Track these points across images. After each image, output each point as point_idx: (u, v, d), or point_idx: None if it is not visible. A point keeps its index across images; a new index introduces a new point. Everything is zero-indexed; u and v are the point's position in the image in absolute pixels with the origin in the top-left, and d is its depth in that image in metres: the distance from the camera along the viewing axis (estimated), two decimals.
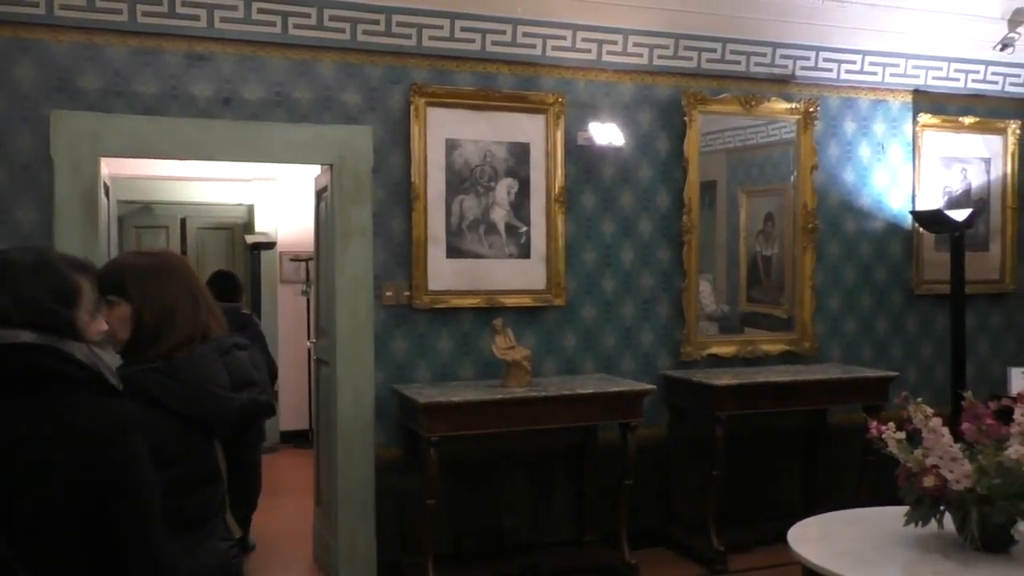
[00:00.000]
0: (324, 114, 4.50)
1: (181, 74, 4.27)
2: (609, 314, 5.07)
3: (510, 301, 4.82)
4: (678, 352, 5.20)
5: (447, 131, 4.69)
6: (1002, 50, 5.75)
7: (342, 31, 4.48)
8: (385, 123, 4.61)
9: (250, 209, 8.04)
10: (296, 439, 7.79)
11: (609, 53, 4.97)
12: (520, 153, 4.85)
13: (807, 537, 2.95)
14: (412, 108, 4.61)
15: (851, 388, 5.08)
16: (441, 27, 4.63)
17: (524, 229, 4.87)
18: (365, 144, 4.55)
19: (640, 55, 5.04)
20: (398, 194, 4.63)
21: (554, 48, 4.86)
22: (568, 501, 5.02)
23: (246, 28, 4.33)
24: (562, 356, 4.97)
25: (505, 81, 4.82)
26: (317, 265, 5.18)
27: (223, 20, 4.29)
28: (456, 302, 4.73)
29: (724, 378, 4.84)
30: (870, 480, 4.97)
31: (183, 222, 8.00)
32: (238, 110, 4.36)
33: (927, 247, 5.77)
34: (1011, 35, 5.69)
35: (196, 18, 4.25)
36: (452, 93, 4.69)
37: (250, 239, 7.69)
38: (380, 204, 4.60)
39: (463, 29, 4.67)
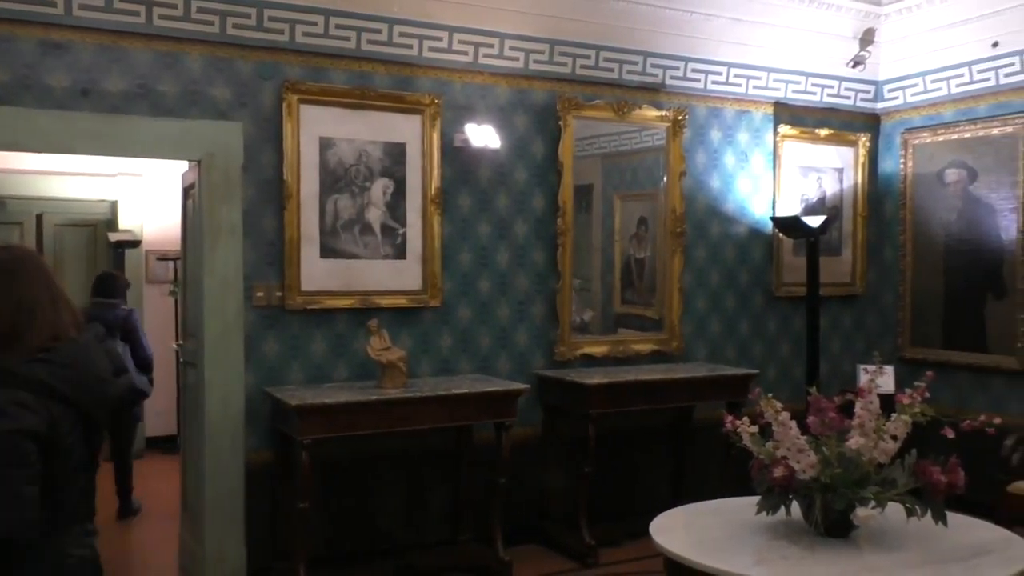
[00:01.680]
0: (191, 108, 4.36)
1: (35, 63, 4.05)
2: (485, 315, 5.12)
3: (386, 302, 4.79)
4: (552, 352, 5.30)
5: (321, 129, 4.63)
6: (854, 67, 6.13)
7: (210, 23, 4.35)
8: (256, 119, 4.50)
9: (114, 205, 7.68)
10: (163, 444, 7.49)
11: (485, 56, 5.02)
12: (396, 153, 4.84)
13: (668, 528, 3.07)
14: (285, 105, 4.52)
15: (715, 386, 5.30)
16: (315, 23, 4.56)
17: (400, 230, 4.86)
18: (235, 140, 4.43)
19: (516, 59, 5.11)
20: (270, 192, 4.54)
21: (431, 49, 4.87)
22: (443, 501, 5.04)
23: (107, 17, 4.14)
24: (438, 357, 4.99)
25: (381, 80, 4.79)
26: (184, 265, 5.01)
27: (82, 7, 4.09)
28: (330, 303, 4.67)
29: (596, 377, 4.97)
30: (733, 473, 5.19)
31: (39, 218, 7.57)
32: (98, 102, 4.17)
33: (786, 251, 6.08)
34: (862, 53, 6.08)
35: (52, 4, 4.04)
36: (326, 91, 4.63)
37: (113, 237, 7.36)
38: (251, 202, 4.50)
39: (338, 26, 4.62)
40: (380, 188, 4.80)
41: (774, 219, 5.91)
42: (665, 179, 5.70)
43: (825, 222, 5.69)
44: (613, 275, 5.82)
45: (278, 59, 4.54)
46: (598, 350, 5.46)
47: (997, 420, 2.84)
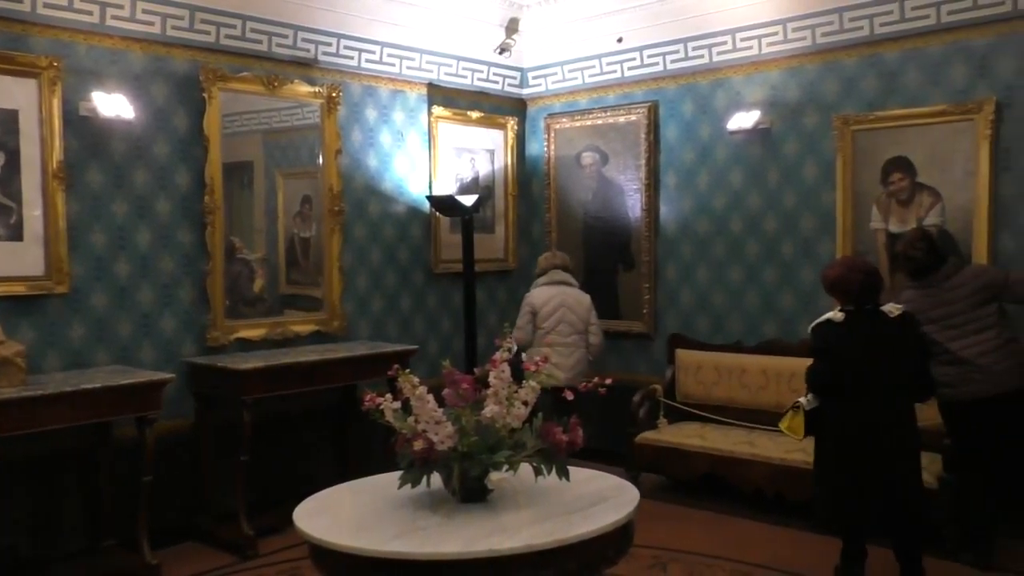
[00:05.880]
0: None
1: None
2: (124, 301, 4.71)
3: None
4: (204, 337, 5.01)
5: None
6: (501, 54, 6.45)
7: None
8: None
9: None
10: None
11: (114, 18, 4.58)
12: (7, 121, 4.26)
13: (313, 512, 3.02)
14: None
15: (375, 363, 5.29)
16: None
17: (15, 208, 4.29)
18: None
19: (151, 23, 4.72)
20: None
21: (46, 5, 4.34)
22: (81, 507, 4.58)
23: None
24: (68, 349, 4.50)
25: None
26: None
27: None
28: None
29: (251, 362, 4.77)
30: (395, 449, 5.27)
31: None
32: None
33: (444, 229, 6.28)
34: (508, 41, 6.41)
35: None
36: None
37: None
38: None
39: None
40: None
41: (430, 198, 6.06)
42: (322, 157, 5.61)
43: (478, 201, 5.94)
44: (278, 255, 5.62)
45: None
46: (255, 333, 5.26)
47: (608, 381, 3.13)
